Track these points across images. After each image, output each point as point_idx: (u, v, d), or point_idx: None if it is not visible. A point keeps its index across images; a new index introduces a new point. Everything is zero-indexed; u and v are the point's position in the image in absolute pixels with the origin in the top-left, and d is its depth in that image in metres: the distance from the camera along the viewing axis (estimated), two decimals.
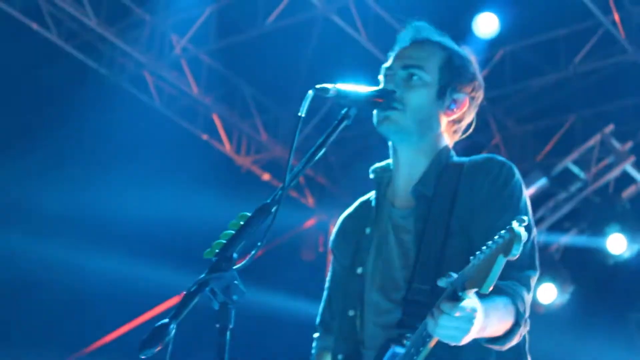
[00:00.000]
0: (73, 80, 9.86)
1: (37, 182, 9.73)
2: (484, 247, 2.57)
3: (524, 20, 9.61)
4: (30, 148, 9.68)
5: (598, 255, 10.19)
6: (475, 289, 2.59)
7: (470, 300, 2.63)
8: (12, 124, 9.78)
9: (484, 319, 2.71)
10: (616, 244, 10.00)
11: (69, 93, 9.70)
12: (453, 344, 2.71)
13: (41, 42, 9.46)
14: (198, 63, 10.45)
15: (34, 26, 9.36)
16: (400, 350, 2.91)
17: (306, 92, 2.82)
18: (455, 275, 2.65)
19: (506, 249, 2.50)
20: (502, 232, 2.53)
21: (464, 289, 2.60)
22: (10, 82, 9.61)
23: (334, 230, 3.51)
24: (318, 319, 3.48)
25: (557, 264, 10.46)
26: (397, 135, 3.22)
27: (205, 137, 10.83)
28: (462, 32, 9.04)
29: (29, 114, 9.92)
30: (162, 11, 10.00)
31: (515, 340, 2.92)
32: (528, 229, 3.03)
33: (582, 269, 10.49)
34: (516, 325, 2.89)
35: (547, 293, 10.23)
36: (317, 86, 2.86)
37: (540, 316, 10.15)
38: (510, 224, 2.51)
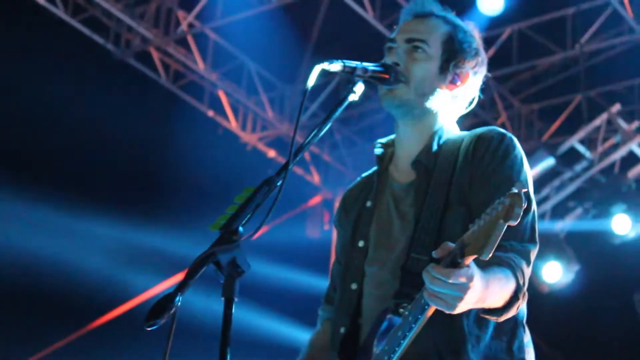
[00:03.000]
0: (78, 56, 9.84)
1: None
2: (484, 214, 2.58)
3: None
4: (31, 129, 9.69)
5: (603, 235, 10.19)
6: (474, 256, 2.59)
7: (467, 268, 2.63)
8: (18, 101, 9.77)
9: (484, 289, 2.72)
10: (621, 224, 9.99)
11: (75, 68, 9.69)
12: (448, 312, 2.71)
13: (48, 18, 9.44)
14: (204, 39, 10.44)
15: (41, 1, 9.36)
16: (397, 319, 2.92)
17: (312, 69, 2.83)
18: (452, 244, 2.65)
19: (506, 215, 2.50)
20: (502, 198, 2.54)
21: (463, 255, 2.61)
22: (16, 57, 9.59)
23: (337, 206, 3.52)
24: (324, 294, 3.50)
25: (562, 243, 10.47)
26: (399, 109, 3.22)
27: (211, 113, 10.83)
28: (467, 9, 9.01)
29: (37, 92, 9.89)
30: None
31: (512, 312, 2.92)
32: (529, 201, 3.04)
33: (587, 249, 10.50)
34: (515, 298, 2.89)
35: (553, 272, 10.25)
36: (324, 61, 2.88)
37: (545, 295, 10.18)
38: (511, 191, 2.52)
